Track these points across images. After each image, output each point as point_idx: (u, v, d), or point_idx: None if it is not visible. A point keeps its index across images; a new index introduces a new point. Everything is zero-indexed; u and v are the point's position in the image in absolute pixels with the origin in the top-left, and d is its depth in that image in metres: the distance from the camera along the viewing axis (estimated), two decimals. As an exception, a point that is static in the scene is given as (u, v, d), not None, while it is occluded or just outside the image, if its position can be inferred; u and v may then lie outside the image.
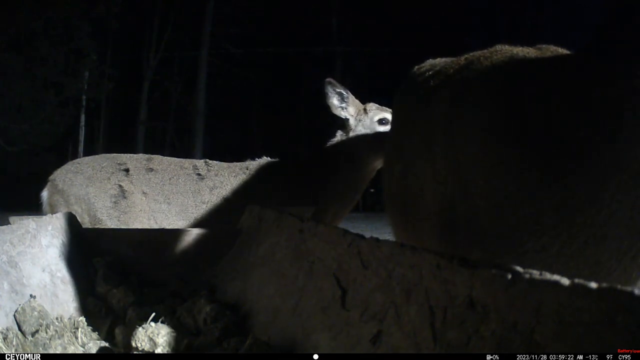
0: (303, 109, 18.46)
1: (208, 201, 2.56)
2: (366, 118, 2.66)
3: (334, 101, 2.66)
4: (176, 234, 1.79)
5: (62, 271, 1.35)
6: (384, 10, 15.67)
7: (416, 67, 1.91)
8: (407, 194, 1.63)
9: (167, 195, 2.52)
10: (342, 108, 2.67)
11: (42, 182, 2.55)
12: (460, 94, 1.36)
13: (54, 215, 1.53)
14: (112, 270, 1.51)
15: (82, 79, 12.90)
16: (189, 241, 1.73)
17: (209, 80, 15.20)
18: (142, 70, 15.53)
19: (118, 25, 13.62)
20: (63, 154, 13.88)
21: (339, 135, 2.74)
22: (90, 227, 2.37)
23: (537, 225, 1.10)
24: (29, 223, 1.33)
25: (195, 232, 1.78)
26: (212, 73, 15.57)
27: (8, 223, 1.40)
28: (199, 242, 1.74)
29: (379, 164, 2.61)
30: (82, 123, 14.15)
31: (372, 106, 2.70)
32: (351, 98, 2.69)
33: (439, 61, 1.80)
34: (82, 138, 14.21)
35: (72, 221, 1.62)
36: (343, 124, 2.72)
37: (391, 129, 2.01)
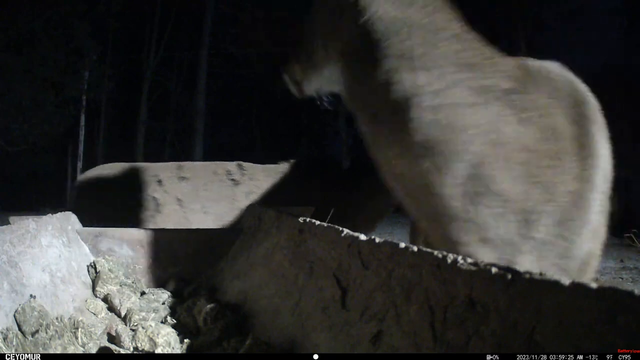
0: (303, 109, 18.44)
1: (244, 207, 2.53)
2: None
3: None
4: (176, 234, 1.79)
5: (62, 271, 1.34)
6: (384, 10, 15.64)
7: None
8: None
9: (203, 204, 2.50)
10: None
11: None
12: None
13: (54, 215, 1.52)
14: (112, 270, 1.51)
15: (82, 79, 12.88)
16: (189, 241, 1.73)
17: (209, 80, 15.17)
18: (142, 70, 15.51)
19: (118, 25, 13.61)
20: (63, 154, 13.86)
21: None
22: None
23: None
24: (29, 223, 1.33)
25: (195, 232, 1.78)
26: (212, 73, 15.54)
27: (8, 223, 1.39)
28: (199, 242, 1.74)
29: None
30: (82, 123, 14.11)
31: None
32: None
33: None
34: (82, 138, 14.17)
35: (72, 221, 1.62)
36: None
37: None
